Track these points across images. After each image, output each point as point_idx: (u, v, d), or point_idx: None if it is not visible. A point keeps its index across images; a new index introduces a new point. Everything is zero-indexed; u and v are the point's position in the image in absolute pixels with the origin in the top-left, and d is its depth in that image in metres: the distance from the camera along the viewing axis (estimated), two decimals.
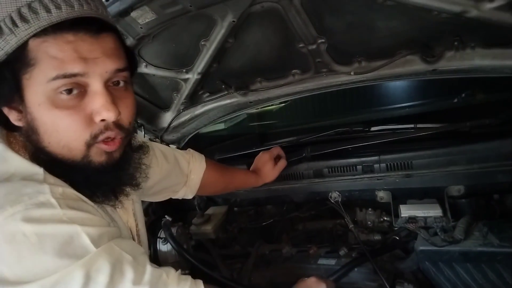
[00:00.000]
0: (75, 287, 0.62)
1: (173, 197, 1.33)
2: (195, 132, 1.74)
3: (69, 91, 0.67)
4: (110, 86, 0.73)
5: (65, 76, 0.66)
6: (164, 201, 1.37)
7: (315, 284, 1.02)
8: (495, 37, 1.05)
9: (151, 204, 1.65)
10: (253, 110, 1.93)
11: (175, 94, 1.51)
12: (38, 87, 0.67)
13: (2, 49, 0.65)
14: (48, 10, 0.64)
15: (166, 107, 1.61)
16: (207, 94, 1.54)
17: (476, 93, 1.46)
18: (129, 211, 0.94)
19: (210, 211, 1.73)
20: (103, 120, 0.71)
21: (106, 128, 0.72)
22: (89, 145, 0.71)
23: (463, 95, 1.47)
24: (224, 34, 1.15)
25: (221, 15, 1.08)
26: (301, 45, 1.20)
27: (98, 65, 0.68)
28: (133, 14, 1.03)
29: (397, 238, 1.34)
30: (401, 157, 1.36)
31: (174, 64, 1.35)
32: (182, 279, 0.77)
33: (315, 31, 1.13)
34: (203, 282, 0.80)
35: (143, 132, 1.62)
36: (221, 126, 2.08)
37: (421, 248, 1.16)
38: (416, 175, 1.34)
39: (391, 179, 1.38)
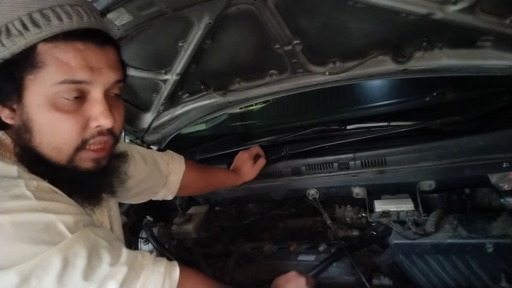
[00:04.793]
0: (54, 270, 0.64)
1: (153, 199, 1.34)
2: (176, 133, 1.75)
3: (72, 96, 0.71)
4: (107, 95, 0.77)
5: (72, 82, 0.70)
6: (146, 202, 1.37)
7: (294, 278, 1.05)
8: (460, 38, 1.10)
9: (132, 205, 1.65)
10: (233, 111, 1.96)
11: (154, 95, 1.52)
12: (41, 89, 0.69)
13: (8, 49, 0.67)
14: (60, 18, 0.69)
15: (146, 108, 1.62)
16: (187, 94, 1.56)
17: (446, 92, 1.52)
18: (104, 213, 0.95)
19: (191, 210, 1.74)
20: (97, 126, 0.75)
21: (100, 133, 0.76)
22: (77, 150, 0.75)
23: (435, 94, 1.53)
24: (201, 35, 1.17)
25: (198, 17, 1.10)
26: (277, 46, 1.23)
27: (102, 75, 0.73)
28: (110, 15, 1.04)
29: (374, 233, 1.38)
30: (375, 154, 1.40)
31: (153, 65, 1.37)
32: (157, 260, 0.80)
33: (290, 32, 1.16)
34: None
35: (123, 134, 1.62)
36: (202, 126, 2.10)
37: (394, 241, 1.21)
38: (389, 171, 1.38)
39: (365, 176, 1.42)
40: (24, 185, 0.68)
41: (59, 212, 0.69)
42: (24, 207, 0.65)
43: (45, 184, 0.73)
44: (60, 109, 0.71)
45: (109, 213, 0.97)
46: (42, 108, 0.70)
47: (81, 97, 0.73)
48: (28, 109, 0.71)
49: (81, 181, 0.78)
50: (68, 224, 0.68)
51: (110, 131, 0.78)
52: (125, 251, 0.75)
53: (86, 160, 0.77)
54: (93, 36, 0.73)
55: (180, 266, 0.83)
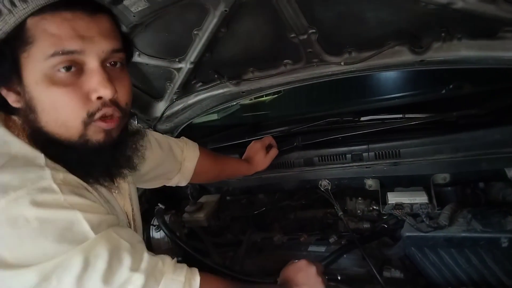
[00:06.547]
0: (74, 271, 0.64)
1: (167, 185, 1.34)
2: (188, 122, 1.75)
3: (67, 69, 0.69)
4: (107, 66, 0.74)
5: (63, 53, 0.67)
6: (158, 189, 1.39)
7: (305, 266, 1.05)
8: (480, 29, 1.07)
9: (144, 192, 1.66)
10: (246, 101, 1.95)
11: (168, 84, 1.52)
12: (36, 65, 0.68)
13: (1, 29, 0.66)
14: None
15: (159, 96, 1.62)
16: (200, 83, 1.55)
17: (463, 85, 1.49)
18: (126, 196, 0.96)
19: (202, 199, 1.74)
20: (99, 98, 0.72)
21: (103, 105, 0.73)
22: (86, 124, 0.72)
23: (451, 86, 1.50)
24: (216, 23, 1.15)
25: (214, 4, 1.09)
26: (292, 35, 1.21)
27: (94, 44, 0.70)
28: (126, 2, 1.03)
29: (386, 226, 1.37)
30: (389, 146, 1.38)
31: (167, 53, 1.36)
32: (178, 267, 0.79)
33: (306, 21, 1.15)
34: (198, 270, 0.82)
35: (136, 122, 1.63)
36: (214, 116, 2.09)
37: (407, 234, 1.20)
38: (403, 163, 1.36)
39: (379, 167, 1.41)
40: (51, 177, 0.67)
41: (84, 210, 0.68)
42: (50, 202, 0.65)
43: (72, 177, 0.72)
44: (58, 83, 0.69)
45: (130, 196, 0.97)
46: (40, 85, 0.68)
47: (78, 70, 0.70)
48: (28, 88, 0.69)
49: (95, 156, 0.76)
50: (92, 223, 0.68)
51: (114, 103, 0.75)
52: (146, 256, 0.74)
53: (96, 133, 0.74)
54: (82, 4, 0.70)
55: (200, 272, 0.81)
